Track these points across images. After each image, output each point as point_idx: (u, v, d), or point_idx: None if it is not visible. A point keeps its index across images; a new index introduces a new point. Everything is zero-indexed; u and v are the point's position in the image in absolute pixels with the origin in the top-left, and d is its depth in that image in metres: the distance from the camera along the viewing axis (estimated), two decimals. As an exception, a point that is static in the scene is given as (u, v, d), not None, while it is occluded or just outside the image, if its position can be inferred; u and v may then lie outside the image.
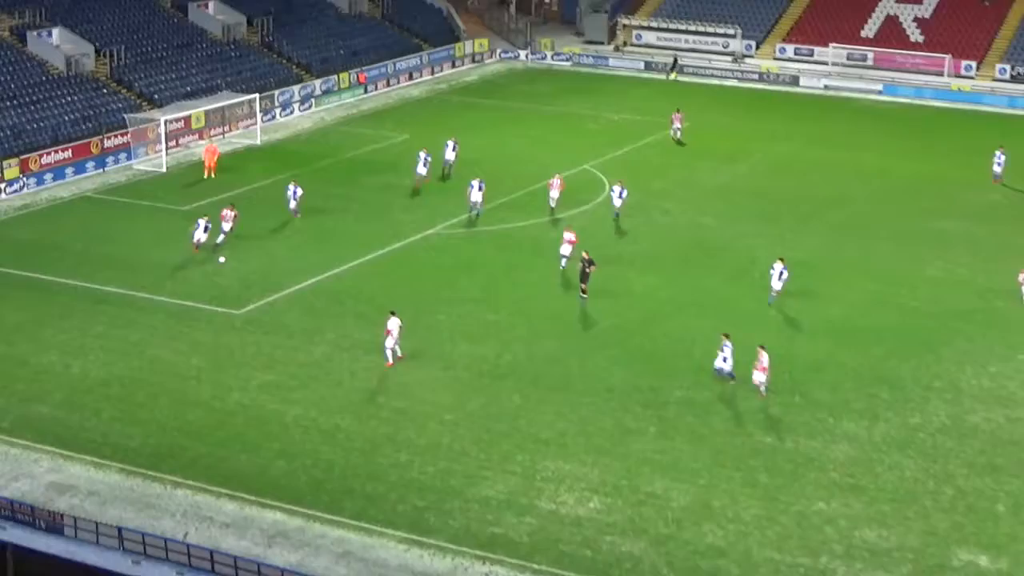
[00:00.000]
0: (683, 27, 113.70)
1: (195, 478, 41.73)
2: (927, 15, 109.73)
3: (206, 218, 60.67)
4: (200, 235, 60.15)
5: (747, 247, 64.11)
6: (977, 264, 62.15)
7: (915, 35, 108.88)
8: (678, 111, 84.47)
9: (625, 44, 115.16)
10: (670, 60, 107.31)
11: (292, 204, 66.07)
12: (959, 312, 55.82)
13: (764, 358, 46.46)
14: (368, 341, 50.33)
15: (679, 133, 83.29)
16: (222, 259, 58.92)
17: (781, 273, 55.03)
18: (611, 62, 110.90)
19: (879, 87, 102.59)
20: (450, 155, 75.06)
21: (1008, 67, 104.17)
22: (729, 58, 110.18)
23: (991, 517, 40.28)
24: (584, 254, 55.83)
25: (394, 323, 49.28)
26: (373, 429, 45.20)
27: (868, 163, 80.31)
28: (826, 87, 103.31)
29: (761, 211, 70.17)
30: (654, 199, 71.28)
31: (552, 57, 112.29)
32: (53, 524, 38.03)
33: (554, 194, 66.97)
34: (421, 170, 71.03)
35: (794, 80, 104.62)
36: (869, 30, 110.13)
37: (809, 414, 46.59)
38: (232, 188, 71.17)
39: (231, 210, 61.62)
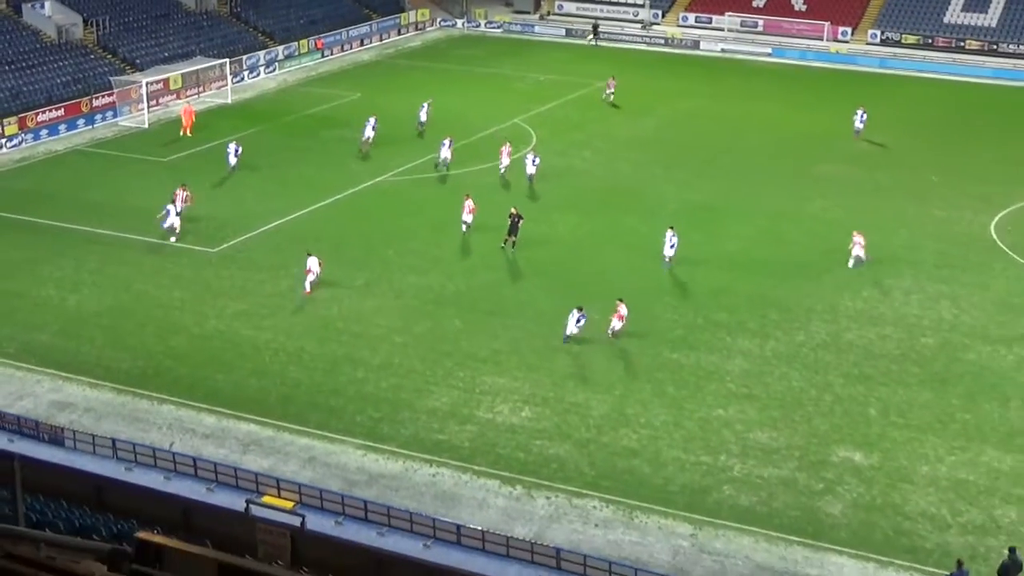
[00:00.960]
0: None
1: (178, 395, 41.69)
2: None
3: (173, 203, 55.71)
4: (173, 219, 54.63)
5: (657, 190, 64.39)
6: (850, 202, 62.63)
7: (799, 5, 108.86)
8: (612, 78, 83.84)
9: (549, 13, 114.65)
10: (590, 27, 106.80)
11: (232, 160, 64.71)
12: (836, 243, 56.19)
13: (622, 309, 45.87)
14: (327, 275, 50.12)
15: (612, 96, 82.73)
16: (173, 239, 54.72)
17: (672, 241, 52.43)
18: (536, 29, 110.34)
19: (768, 50, 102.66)
20: (423, 115, 74.37)
21: (878, 32, 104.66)
22: (639, 25, 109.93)
23: (864, 419, 40.91)
24: (513, 209, 55.35)
25: (313, 261, 49.44)
26: (333, 351, 45.21)
27: (759, 116, 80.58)
28: (723, 50, 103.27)
29: (668, 159, 70.35)
30: (575, 148, 71.27)
31: (485, 25, 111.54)
32: (55, 436, 38.16)
33: (505, 160, 65.31)
34: (369, 133, 70.16)
35: (695, 44, 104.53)
36: (759, 1, 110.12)
37: (710, 333, 46.99)
38: (208, 142, 70.56)
39: (183, 190, 57.21)
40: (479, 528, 34.03)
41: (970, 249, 56.63)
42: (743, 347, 45.90)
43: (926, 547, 34.14)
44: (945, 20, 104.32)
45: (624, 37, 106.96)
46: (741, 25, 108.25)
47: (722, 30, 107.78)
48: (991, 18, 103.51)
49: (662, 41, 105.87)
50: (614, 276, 51.93)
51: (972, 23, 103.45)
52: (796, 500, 36.30)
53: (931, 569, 32.98)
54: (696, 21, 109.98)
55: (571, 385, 42.83)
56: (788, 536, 34.57)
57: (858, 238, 53.32)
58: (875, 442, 39.50)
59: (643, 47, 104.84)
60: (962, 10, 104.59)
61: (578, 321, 44.95)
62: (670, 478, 37.33)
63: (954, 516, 35.59)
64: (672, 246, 52.44)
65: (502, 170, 64.96)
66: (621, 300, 46.01)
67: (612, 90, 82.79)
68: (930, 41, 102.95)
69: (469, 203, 55.98)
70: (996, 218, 60.68)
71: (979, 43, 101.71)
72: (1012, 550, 31.85)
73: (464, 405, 41.41)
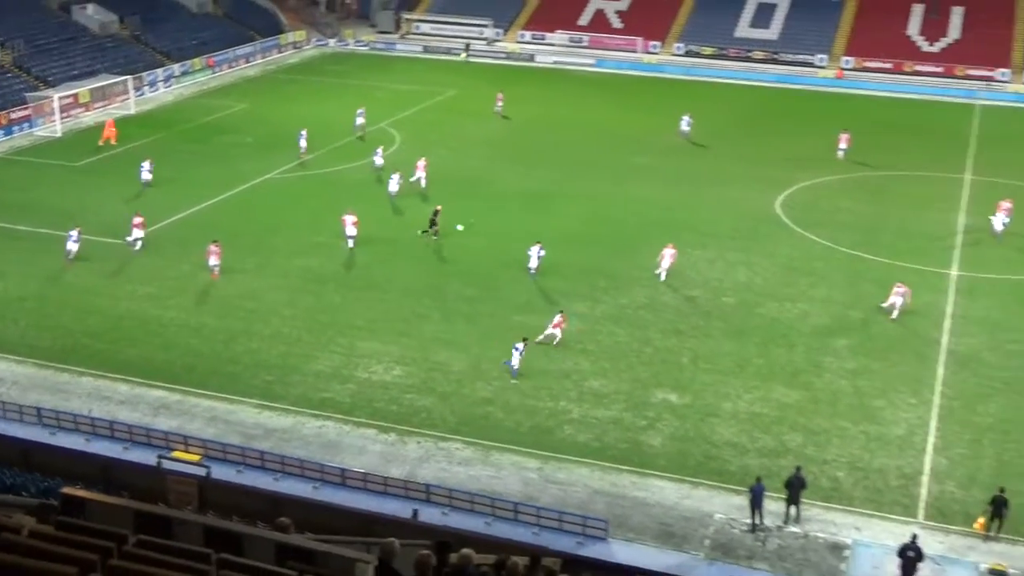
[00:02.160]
0: (449, 19, 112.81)
1: (95, 368, 40.67)
2: (624, 8, 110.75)
3: (78, 229, 50.36)
4: (71, 245, 49.93)
5: (502, 179, 64.44)
6: (663, 187, 63.58)
7: (616, 23, 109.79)
8: (501, 92, 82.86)
9: (408, 33, 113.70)
10: (464, 45, 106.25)
11: (146, 176, 60.85)
12: (652, 221, 57.08)
13: (557, 318, 42.92)
14: (224, 260, 49.17)
15: (501, 109, 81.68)
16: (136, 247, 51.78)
17: (539, 253, 49.21)
18: (398, 47, 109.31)
19: (593, 61, 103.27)
20: (360, 120, 73.63)
21: (683, 45, 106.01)
22: (484, 42, 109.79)
23: (678, 367, 41.67)
24: (437, 207, 54.73)
25: (214, 248, 48.78)
26: (230, 325, 44.47)
27: (586, 118, 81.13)
28: (555, 62, 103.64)
29: (511, 154, 70.42)
30: (432, 147, 70.92)
31: (354, 44, 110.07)
32: (-15, 408, 36.78)
33: (420, 174, 62.14)
34: (302, 144, 67.92)
35: (531, 57, 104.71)
36: (584, 19, 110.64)
37: (549, 300, 47.30)
38: (115, 149, 68.58)
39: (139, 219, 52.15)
40: (361, 471, 33.91)
41: (760, 223, 57.92)
42: (577, 310, 46.29)
43: (730, 469, 34.99)
44: (736, 34, 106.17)
45: (473, 53, 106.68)
46: (570, 40, 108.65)
47: (554, 45, 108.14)
48: (773, 32, 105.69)
49: (504, 55, 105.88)
50: (467, 253, 52.07)
51: (758, 36, 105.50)
52: (624, 435, 36.85)
53: (734, 486, 33.82)
54: (532, 38, 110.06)
55: (435, 347, 42.80)
56: (618, 465, 35.12)
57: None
58: (687, 385, 40.29)
59: (489, 60, 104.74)
60: (749, 26, 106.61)
61: (520, 352, 40.49)
62: (520, 422, 37.60)
63: (752, 443, 36.53)
64: (539, 257, 49.16)
65: (423, 184, 61.93)
66: (562, 311, 43.77)
67: (501, 103, 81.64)
68: (724, 52, 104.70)
69: (351, 217, 52.36)
70: (780, 197, 62.17)
71: (764, 53, 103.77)
72: (798, 468, 32.82)
73: (344, 367, 41.11)
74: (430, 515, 31.76)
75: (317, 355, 42.07)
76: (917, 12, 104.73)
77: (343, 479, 33.64)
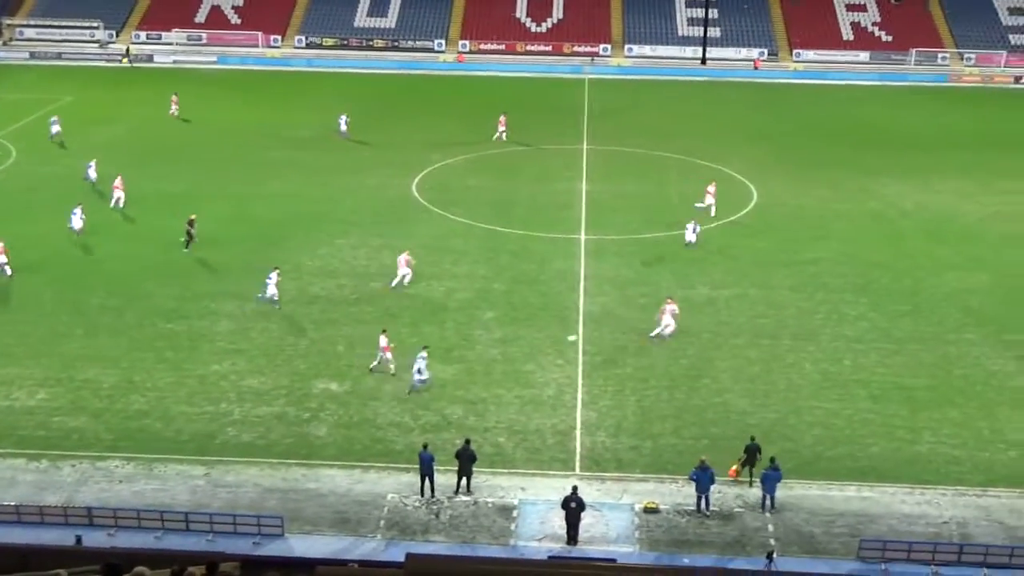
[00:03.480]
0: (56, 23, 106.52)
1: None
2: (241, 3, 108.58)
3: None
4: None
5: (135, 184, 60.62)
6: (301, 180, 62.99)
7: (234, 18, 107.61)
8: (175, 94, 79.18)
9: (11, 39, 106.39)
10: (124, 49, 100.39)
11: None
12: (295, 214, 56.46)
13: (383, 340, 42.83)
14: None
15: (176, 111, 77.89)
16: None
17: (273, 280, 45.36)
18: (1, 54, 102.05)
19: (214, 58, 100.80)
20: (56, 128, 70.56)
21: (303, 37, 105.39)
22: (96, 45, 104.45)
23: (335, 355, 41.58)
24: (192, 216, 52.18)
25: None
26: None
27: (211, 116, 78.98)
28: (175, 61, 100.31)
29: (140, 158, 67.22)
30: (54, 157, 66.67)
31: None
32: None
33: (119, 194, 57.21)
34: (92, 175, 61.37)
35: (150, 58, 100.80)
36: (201, 16, 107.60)
37: (196, 303, 45.89)
38: None
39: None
40: (12, 503, 31.58)
41: (398, 207, 58.67)
42: (226, 310, 45.20)
43: (397, 449, 35.33)
44: (355, 24, 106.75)
45: (85, 56, 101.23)
46: (188, 39, 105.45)
47: (172, 44, 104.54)
48: (391, 21, 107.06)
49: (119, 58, 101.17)
50: (106, 262, 49.61)
51: (376, 25, 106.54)
52: (289, 430, 36.37)
53: (403, 465, 34.17)
54: (147, 38, 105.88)
55: (80, 365, 40.46)
56: (287, 460, 34.65)
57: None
58: (346, 372, 40.27)
59: (103, 63, 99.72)
60: (367, 15, 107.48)
61: (419, 371, 38.84)
62: (180, 429, 36.28)
63: (415, 420, 37.03)
64: (275, 285, 45.41)
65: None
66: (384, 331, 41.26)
67: (176, 106, 78.24)
68: (346, 42, 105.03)
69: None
70: (416, 180, 63.22)
71: (384, 41, 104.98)
72: (467, 440, 33.57)
73: (-20, 397, 38.11)
74: (95, 539, 30.03)
75: (-53, 388, 38.75)
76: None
77: (-7, 515, 31.20)
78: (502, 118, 72.54)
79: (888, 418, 37.58)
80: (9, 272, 47.81)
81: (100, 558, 23.31)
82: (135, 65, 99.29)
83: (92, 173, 61.23)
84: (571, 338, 42.72)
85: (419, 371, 38.87)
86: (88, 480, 33.55)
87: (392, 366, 39.78)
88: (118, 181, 58.14)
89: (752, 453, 33.60)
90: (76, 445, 35.28)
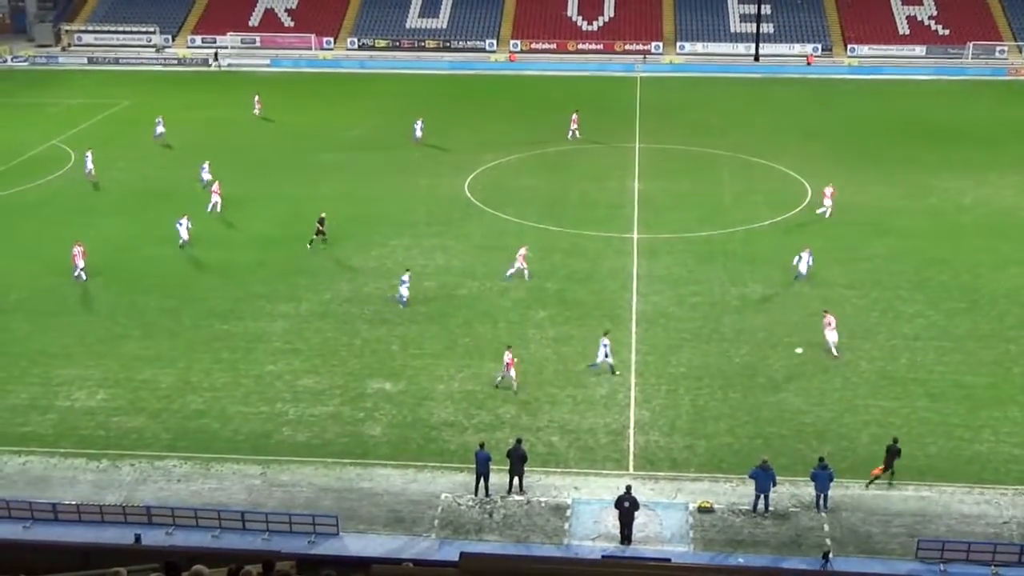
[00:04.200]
0: (114, 28, 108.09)
1: None
2: (294, 6, 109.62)
3: None
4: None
5: (190, 188, 62.12)
6: (354, 182, 63.38)
7: (287, 21, 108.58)
8: (258, 95, 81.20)
9: (70, 45, 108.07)
10: (213, 53, 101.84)
11: None
12: (348, 216, 56.76)
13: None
14: None
15: (260, 111, 79.68)
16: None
17: (407, 282, 45.18)
18: (61, 60, 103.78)
19: (268, 61, 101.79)
20: (160, 128, 72.42)
21: (356, 39, 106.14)
22: (153, 49, 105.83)
23: (388, 355, 41.74)
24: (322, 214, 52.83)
25: None
26: (-91, 369, 40.96)
27: (268, 118, 79.67)
28: (229, 65, 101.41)
29: (198, 162, 68.12)
30: (111, 160, 67.80)
31: (11, 60, 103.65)
32: None
33: (215, 199, 58.10)
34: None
35: (204, 62, 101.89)
36: (255, 20, 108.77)
37: (252, 304, 46.31)
38: None
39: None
40: (73, 502, 32.08)
41: (452, 207, 58.81)
42: (282, 311, 45.57)
43: (451, 448, 35.41)
44: (407, 25, 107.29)
45: (143, 61, 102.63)
46: (241, 42, 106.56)
47: (226, 47, 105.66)
48: (442, 21, 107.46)
49: (176, 61, 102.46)
50: (161, 265, 50.19)
51: (428, 26, 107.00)
52: (344, 429, 36.60)
53: (456, 464, 34.26)
54: (203, 42, 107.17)
55: (138, 366, 40.99)
56: (341, 460, 34.85)
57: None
58: (400, 372, 40.43)
59: (159, 68, 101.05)
60: (419, 16, 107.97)
61: (605, 347, 39.70)
62: (237, 429, 36.64)
63: (469, 420, 37.10)
64: (407, 286, 45.55)
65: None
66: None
67: (260, 107, 80.00)
68: (398, 43, 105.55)
69: (78, 250, 48.80)
70: (468, 180, 63.36)
71: (435, 42, 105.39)
72: (519, 440, 33.55)
73: (43, 397, 38.70)
74: (154, 538, 30.47)
75: (10, 388, 39.35)
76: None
77: (55, 514, 31.68)
78: (574, 116, 72.61)
79: (946, 416, 37.08)
80: (84, 277, 48.36)
81: (159, 557, 23.61)
82: (222, 68, 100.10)
83: (206, 175, 62.22)
84: (798, 351, 41.69)
85: (605, 355, 39.48)
86: (147, 479, 33.98)
87: (516, 384, 38.79)
88: (215, 186, 58.63)
89: (892, 455, 33.07)
90: (135, 445, 35.75)
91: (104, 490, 33.37)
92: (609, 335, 40.35)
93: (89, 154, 63.96)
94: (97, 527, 31.27)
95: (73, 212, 58.05)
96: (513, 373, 38.68)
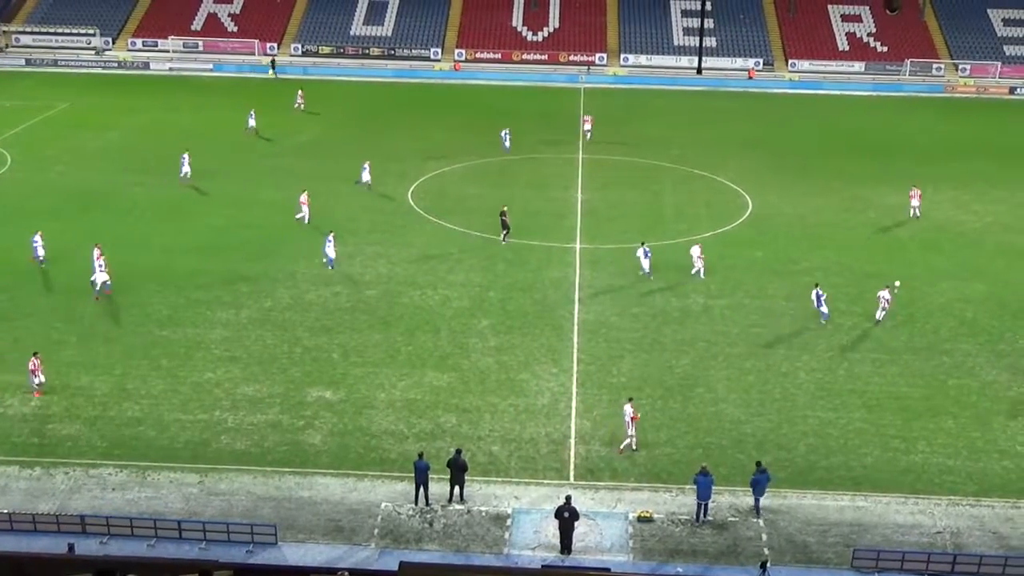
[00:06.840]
0: (53, 30, 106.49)
1: None
2: (237, 11, 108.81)
3: None
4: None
5: (127, 193, 61.58)
6: (296, 188, 62.92)
7: (231, 26, 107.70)
8: (301, 90, 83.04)
9: (7, 46, 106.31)
10: (270, 61, 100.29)
11: None
12: (289, 224, 56.42)
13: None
14: None
15: (302, 104, 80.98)
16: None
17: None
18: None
19: (210, 66, 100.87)
20: (252, 122, 74.79)
21: (300, 45, 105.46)
22: (93, 52, 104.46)
23: (329, 363, 41.51)
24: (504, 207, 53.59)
25: None
26: None
27: (208, 123, 78.99)
28: (171, 69, 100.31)
29: (134, 166, 67.49)
30: (49, 163, 66.84)
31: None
32: None
33: (304, 211, 57.13)
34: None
35: (145, 65, 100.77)
36: (197, 24, 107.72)
37: (192, 311, 45.84)
38: None
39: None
40: (5, 511, 31.48)
41: (395, 215, 58.66)
42: (221, 318, 45.17)
43: (391, 457, 35.26)
44: (352, 32, 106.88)
45: (83, 63, 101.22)
46: (184, 46, 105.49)
47: (168, 51, 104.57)
48: (387, 29, 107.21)
49: (116, 64, 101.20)
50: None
51: (373, 34, 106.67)
52: (283, 438, 36.31)
53: (397, 473, 34.12)
54: (144, 45, 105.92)
55: (75, 372, 40.39)
56: (280, 468, 34.56)
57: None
58: (340, 380, 40.22)
59: (99, 70, 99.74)
60: (363, 23, 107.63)
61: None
62: (174, 437, 36.21)
63: (410, 428, 36.98)
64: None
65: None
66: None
67: (303, 101, 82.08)
68: (342, 50, 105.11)
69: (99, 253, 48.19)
70: (411, 188, 63.24)
71: (380, 49, 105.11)
72: (458, 451, 33.49)
73: (-26, 405, 38.03)
74: (88, 547, 30.01)
75: (-59, 395, 38.68)
76: (519, 4, 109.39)
77: (-15, 523, 31.11)
78: (588, 117, 75.16)
79: (882, 428, 37.61)
80: (109, 287, 47.26)
81: (93, 566, 23.34)
82: (278, 77, 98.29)
83: (366, 175, 62.78)
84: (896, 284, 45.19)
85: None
86: (81, 488, 33.46)
87: (635, 441, 35.86)
88: (304, 196, 57.38)
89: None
90: (69, 452, 35.19)
91: (37, 499, 32.80)
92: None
93: (186, 156, 63.83)
94: (29, 536, 30.73)
95: (10, 214, 57.06)
96: (633, 431, 35.78)
